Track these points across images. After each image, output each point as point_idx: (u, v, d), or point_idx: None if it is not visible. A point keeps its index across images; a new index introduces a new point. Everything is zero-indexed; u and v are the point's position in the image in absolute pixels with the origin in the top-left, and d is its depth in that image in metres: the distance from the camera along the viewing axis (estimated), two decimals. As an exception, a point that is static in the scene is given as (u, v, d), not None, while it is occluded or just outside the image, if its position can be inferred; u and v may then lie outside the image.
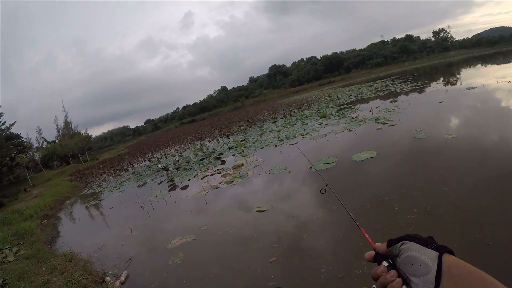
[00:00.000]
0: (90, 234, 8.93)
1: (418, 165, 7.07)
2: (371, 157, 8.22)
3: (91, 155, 58.68)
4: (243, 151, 13.43)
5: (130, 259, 5.96)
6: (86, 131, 71.05)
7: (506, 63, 33.30)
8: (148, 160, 22.19)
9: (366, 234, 1.16)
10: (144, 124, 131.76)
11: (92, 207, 12.48)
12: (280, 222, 5.95)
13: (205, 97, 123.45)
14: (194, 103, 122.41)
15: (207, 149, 17.61)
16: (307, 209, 6.38)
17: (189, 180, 11.23)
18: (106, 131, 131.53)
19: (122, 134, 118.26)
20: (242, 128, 24.30)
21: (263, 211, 6.57)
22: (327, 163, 8.51)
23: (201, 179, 10.72)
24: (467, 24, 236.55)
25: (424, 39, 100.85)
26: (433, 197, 5.20)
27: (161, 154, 23.37)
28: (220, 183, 9.51)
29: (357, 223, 1.44)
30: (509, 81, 16.30)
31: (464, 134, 8.76)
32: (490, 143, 7.68)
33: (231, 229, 6.13)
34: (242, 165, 10.88)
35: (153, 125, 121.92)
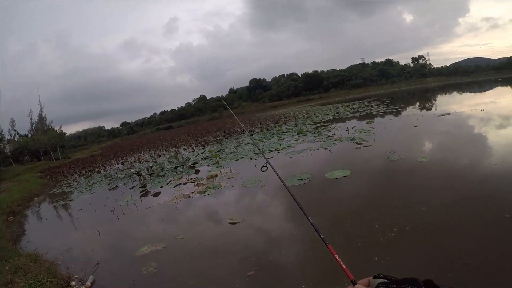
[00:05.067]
0: (57, 235, 8.72)
1: (393, 185, 7.38)
2: (345, 176, 8.37)
3: (63, 153, 56.70)
4: (218, 162, 13.38)
5: (98, 264, 5.79)
6: (60, 127, 68.20)
7: (481, 92, 34.49)
8: (122, 164, 21.83)
9: (335, 254, 1.22)
10: (120, 126, 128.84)
11: (61, 207, 12.11)
12: (255, 235, 6.02)
13: (184, 105, 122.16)
14: (172, 110, 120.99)
15: (182, 157, 17.49)
16: (280, 223, 6.47)
17: (161, 187, 11.13)
18: (80, 129, 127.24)
19: (96, 135, 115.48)
20: (218, 138, 24.28)
21: (235, 223, 6.57)
22: (300, 179, 8.60)
23: (174, 187, 10.63)
24: (445, 53, 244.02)
25: (403, 64, 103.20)
26: (412, 217, 5.40)
27: (135, 159, 23.00)
28: (193, 192, 9.44)
29: (322, 236, 1.51)
30: (482, 110, 16.87)
31: (437, 157, 9.09)
32: (461, 167, 8.04)
33: (204, 240, 6.07)
34: (216, 176, 10.83)
35: (129, 128, 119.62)
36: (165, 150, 24.70)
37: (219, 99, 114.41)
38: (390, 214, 5.72)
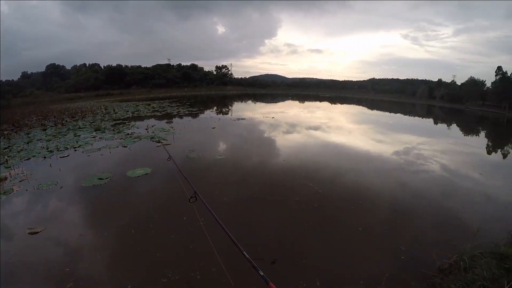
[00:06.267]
0: None
1: (192, 181, 8.16)
2: (146, 174, 8.95)
3: None
4: (6, 161, 12.12)
5: None
6: None
7: (273, 103, 40.44)
8: None
9: None
10: None
11: None
12: (62, 243, 5.83)
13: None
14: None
15: (-46, 157, 15.35)
16: (84, 227, 6.47)
17: None
18: None
19: None
20: (5, 132, 21.94)
21: (36, 232, 6.23)
22: (101, 179, 8.80)
23: None
24: (247, 66, 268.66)
25: (207, 70, 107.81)
26: (214, 208, 6.11)
27: None
28: None
29: (261, 274, 1.97)
30: (273, 117, 19.64)
31: (232, 156, 10.65)
32: (254, 163, 10.07)
33: (4, 256, 5.40)
34: (6, 178, 9.87)
35: None
36: None
37: (9, 83, 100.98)
38: (194, 208, 6.22)
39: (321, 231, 5.67)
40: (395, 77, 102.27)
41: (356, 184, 8.06)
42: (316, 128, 16.53)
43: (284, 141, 13.11)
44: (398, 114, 31.11)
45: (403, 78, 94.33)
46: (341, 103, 43.29)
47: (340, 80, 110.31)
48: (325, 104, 40.36)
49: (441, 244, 5.23)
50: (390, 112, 32.78)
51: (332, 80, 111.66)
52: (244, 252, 2.35)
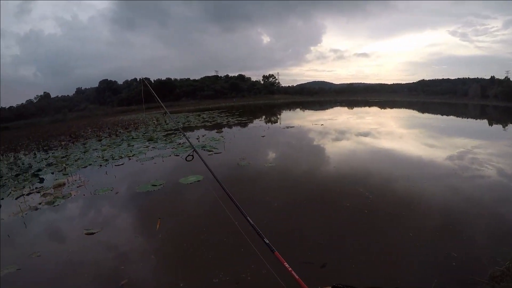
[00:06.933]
0: None
1: (245, 188, 8.24)
2: (198, 181, 8.93)
3: None
4: (64, 168, 12.61)
5: None
6: None
7: (321, 110, 39.45)
8: None
9: (284, 262, 1.54)
10: None
11: None
12: (117, 243, 5.93)
13: (24, 102, 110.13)
14: (11, 107, 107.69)
15: (23, 164, 15.96)
16: (139, 229, 6.58)
17: (2, 199, 9.87)
18: None
19: None
20: (63, 143, 22.85)
21: (92, 233, 6.37)
22: (154, 185, 8.83)
23: (16, 198, 9.59)
24: (294, 74, 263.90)
25: (254, 80, 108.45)
26: (266, 212, 6.37)
27: (-37, 165, 20.41)
28: (40, 203, 8.67)
29: (267, 241, 1.83)
30: (322, 124, 19.29)
31: (282, 163, 10.44)
32: (304, 170, 9.68)
33: (63, 254, 5.70)
34: (64, 184, 10.24)
35: None
36: (2, 155, 22.27)
37: (64, 99, 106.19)
38: (247, 211, 6.32)
39: (371, 236, 5.39)
40: (445, 77, 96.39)
41: (407, 190, 7.66)
42: (365, 134, 16.04)
43: (334, 147, 12.79)
44: (451, 116, 29.68)
45: (454, 78, 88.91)
46: (391, 108, 41.53)
47: (389, 83, 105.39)
48: (375, 109, 39.06)
49: (493, 251, 4.83)
50: (441, 115, 31.30)
51: (381, 84, 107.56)
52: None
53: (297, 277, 1.05)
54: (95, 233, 6.40)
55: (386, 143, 13.35)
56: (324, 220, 6.01)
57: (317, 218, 6.14)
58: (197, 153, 3.50)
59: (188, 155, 3.91)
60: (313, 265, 4.58)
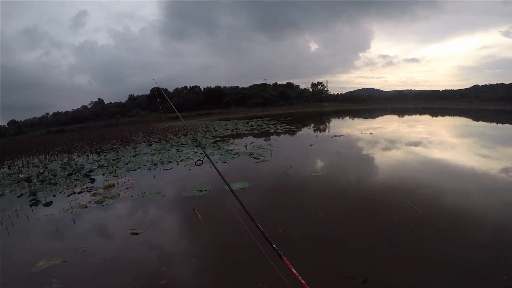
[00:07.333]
0: None
1: (291, 196, 7.97)
2: (244, 188, 8.82)
3: None
4: (115, 171, 13.00)
5: None
6: None
7: (371, 118, 38.13)
8: (8, 168, 19.90)
9: (291, 268, 1.42)
10: (7, 125, 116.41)
11: None
12: (160, 245, 5.97)
13: (79, 107, 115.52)
14: (66, 112, 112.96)
15: (76, 164, 16.51)
16: (183, 231, 6.63)
17: (54, 196, 10.32)
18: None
19: None
20: (115, 146, 23.54)
21: (137, 233, 6.46)
22: (200, 190, 8.79)
23: (68, 196, 9.96)
24: (342, 81, 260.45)
25: (302, 88, 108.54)
26: (311, 222, 6.08)
27: (23, 163, 21.26)
28: (89, 202, 8.98)
29: (275, 247, 1.72)
30: (371, 133, 18.77)
31: (329, 173, 10.09)
32: (352, 180, 9.21)
33: (108, 251, 5.83)
34: (114, 185, 10.50)
35: (17, 128, 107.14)
36: (57, 155, 23.16)
37: (117, 105, 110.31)
38: (291, 221, 6.25)
39: (417, 253, 4.99)
40: (500, 82, 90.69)
41: (458, 204, 7.10)
42: (416, 143, 15.33)
43: (383, 157, 12.28)
44: (506, 125, 27.84)
45: (508, 82, 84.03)
46: (443, 115, 39.28)
47: (440, 90, 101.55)
48: (426, 117, 37.27)
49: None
50: (496, 123, 29.47)
51: (432, 90, 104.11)
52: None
53: (303, 282, 1.01)
54: (139, 233, 6.49)
55: (437, 153, 12.67)
56: (369, 234, 5.68)
57: (362, 231, 5.82)
58: (208, 158, 3.41)
59: (198, 160, 3.81)
60: (354, 280, 4.34)
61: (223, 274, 4.73)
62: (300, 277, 1.21)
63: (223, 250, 5.39)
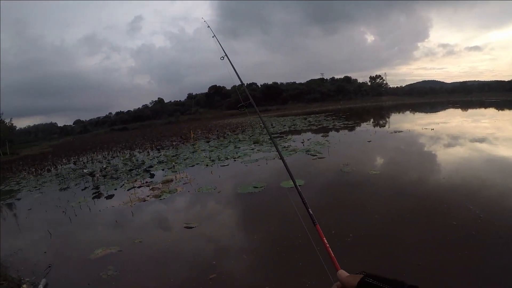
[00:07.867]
0: (5, 236, 8.15)
1: (346, 195, 7.84)
2: (299, 185, 8.64)
3: (11, 149, 52.89)
4: (173, 166, 13.38)
5: (50, 266, 5.62)
6: (10, 121, 65.00)
7: (432, 112, 36.36)
8: (74, 163, 21.04)
9: (323, 237, 1.30)
10: (73, 124, 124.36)
11: (8, 206, 11.63)
12: (211, 239, 6.08)
13: (140, 106, 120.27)
14: (128, 111, 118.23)
15: (137, 160, 17.23)
16: (237, 228, 6.65)
17: (115, 189, 10.90)
18: (31, 124, 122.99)
19: (48, 131, 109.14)
20: (174, 143, 24.11)
21: (191, 227, 6.62)
22: (256, 187, 8.82)
23: (128, 190, 10.46)
24: (402, 74, 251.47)
25: (361, 82, 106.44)
26: (367, 223, 5.91)
27: (87, 159, 22.31)
28: (148, 196, 9.36)
29: (311, 212, 1.57)
30: (433, 129, 17.90)
31: (388, 171, 9.68)
32: (411, 180, 8.71)
33: (162, 243, 6.07)
34: (172, 180, 10.81)
35: (82, 127, 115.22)
36: (119, 152, 24.13)
37: (176, 103, 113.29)
38: (346, 221, 6.09)
39: (475, 264, 4.49)
40: None
41: None
42: (481, 140, 14.29)
43: (445, 155, 11.55)
44: None
45: None
46: (510, 109, 36.57)
47: (506, 80, 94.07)
48: (491, 111, 34.45)
49: None
50: None
51: (497, 81, 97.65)
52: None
53: (332, 254, 0.93)
54: (193, 227, 6.67)
55: (504, 151, 11.64)
56: (426, 239, 5.27)
57: (419, 235, 5.43)
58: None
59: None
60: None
61: (272, 272, 4.70)
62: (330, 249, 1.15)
63: (274, 248, 5.35)
